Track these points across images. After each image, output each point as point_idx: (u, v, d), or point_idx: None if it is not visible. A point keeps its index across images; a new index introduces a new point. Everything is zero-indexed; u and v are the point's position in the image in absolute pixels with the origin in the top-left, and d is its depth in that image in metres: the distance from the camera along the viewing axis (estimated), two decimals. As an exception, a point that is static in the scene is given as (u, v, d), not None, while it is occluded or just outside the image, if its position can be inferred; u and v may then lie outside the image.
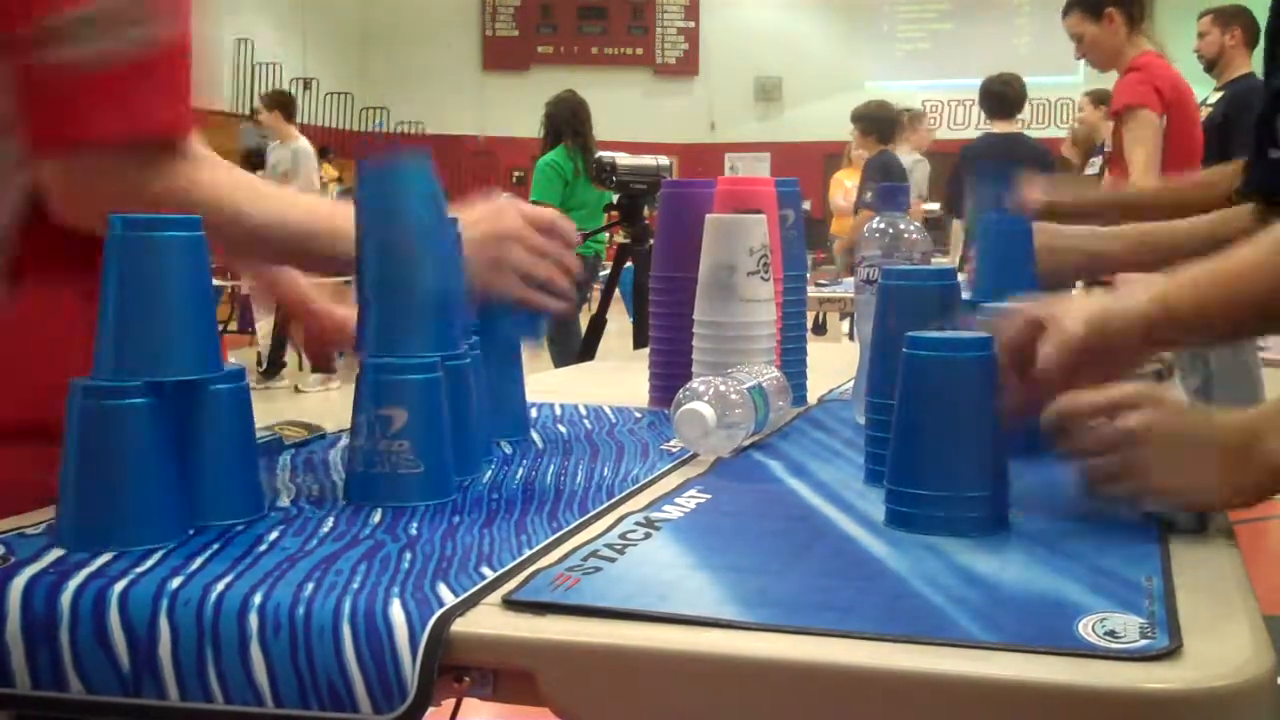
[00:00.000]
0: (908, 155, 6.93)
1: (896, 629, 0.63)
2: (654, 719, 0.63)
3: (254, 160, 8.75)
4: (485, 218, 1.13)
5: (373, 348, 0.93)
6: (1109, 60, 3.88)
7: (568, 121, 5.55)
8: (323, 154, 11.12)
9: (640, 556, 0.76)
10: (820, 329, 7.86)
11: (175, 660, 0.66)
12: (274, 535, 0.81)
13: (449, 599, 0.67)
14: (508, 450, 1.11)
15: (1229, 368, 4.93)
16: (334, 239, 1.01)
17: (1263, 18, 1.22)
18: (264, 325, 7.80)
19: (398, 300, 0.94)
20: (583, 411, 1.31)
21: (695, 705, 0.62)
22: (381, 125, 17.77)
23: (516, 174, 16.95)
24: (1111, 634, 0.62)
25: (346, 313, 1.22)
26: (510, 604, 0.67)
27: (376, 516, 0.86)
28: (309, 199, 1.12)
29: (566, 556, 0.75)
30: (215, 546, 0.78)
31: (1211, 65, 4.75)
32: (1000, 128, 5.69)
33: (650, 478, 0.99)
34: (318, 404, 6.84)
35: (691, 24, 18.74)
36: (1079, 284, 1.61)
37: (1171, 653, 0.60)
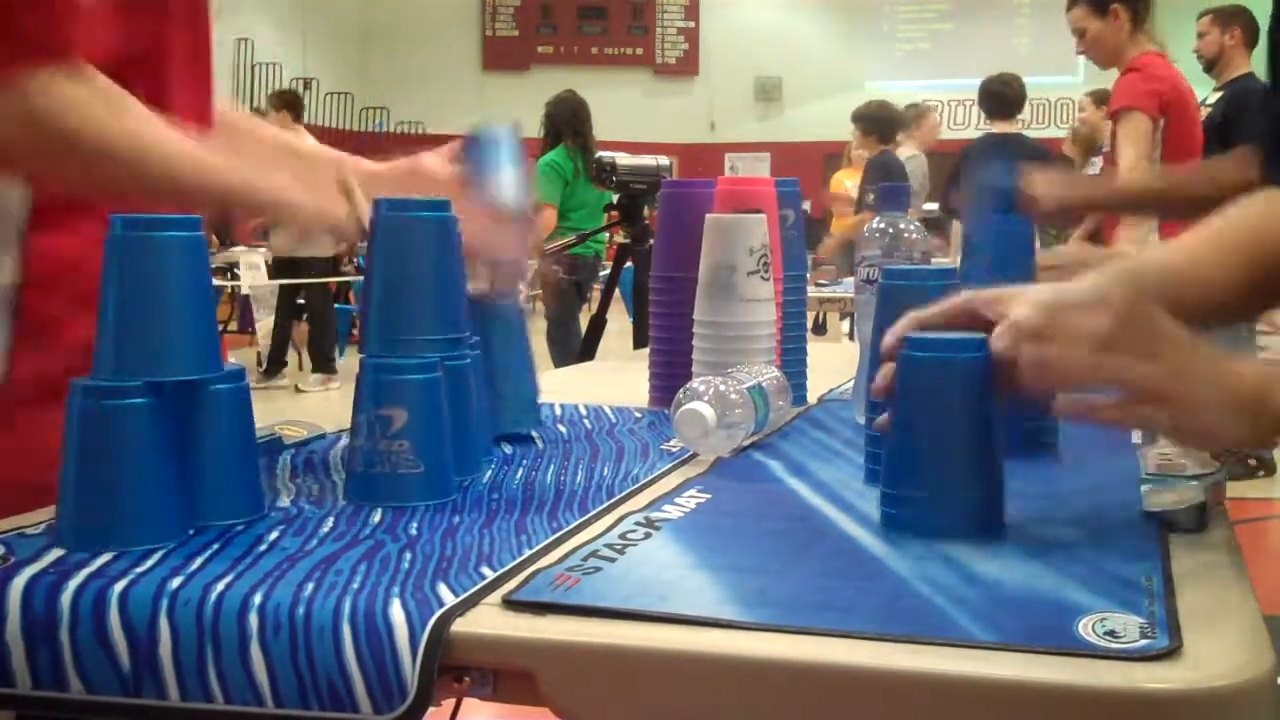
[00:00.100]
0: (907, 151, 6.88)
1: (896, 629, 0.63)
2: (654, 719, 0.63)
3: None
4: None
5: (375, 346, 0.93)
6: (1110, 58, 3.88)
7: (568, 121, 5.55)
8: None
9: (640, 556, 0.76)
10: (820, 329, 7.86)
11: (175, 660, 0.66)
12: (274, 535, 0.81)
13: (449, 599, 0.67)
14: (508, 450, 1.11)
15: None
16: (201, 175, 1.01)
17: (1263, 18, 1.21)
18: (264, 325, 7.80)
19: (403, 298, 0.94)
20: (583, 411, 1.31)
21: (695, 705, 0.62)
22: (382, 125, 17.74)
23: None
24: (1111, 634, 0.62)
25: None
26: (510, 604, 0.67)
27: (376, 516, 0.86)
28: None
29: (566, 556, 0.75)
30: (215, 546, 0.78)
31: (1211, 65, 4.75)
32: (1000, 128, 5.69)
33: (650, 478, 0.99)
34: (318, 404, 6.84)
35: (691, 24, 18.74)
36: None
37: (1171, 653, 0.60)
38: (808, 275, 1.48)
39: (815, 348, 1.47)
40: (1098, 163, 5.73)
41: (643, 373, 1.41)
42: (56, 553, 0.76)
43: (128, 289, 0.80)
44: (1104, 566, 0.74)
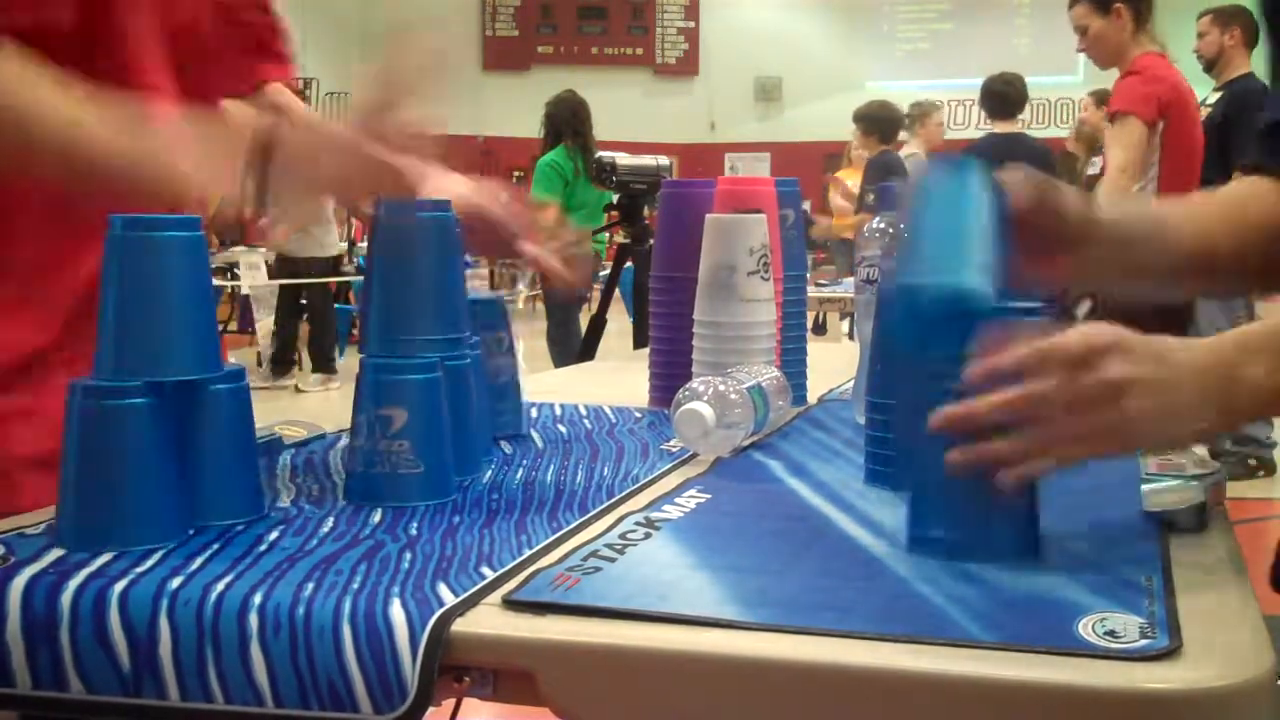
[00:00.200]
0: (910, 150, 6.82)
1: (896, 629, 0.63)
2: (654, 719, 0.63)
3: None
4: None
5: (375, 346, 0.93)
6: (1111, 57, 3.88)
7: (568, 121, 5.55)
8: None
9: (640, 556, 0.76)
10: (820, 329, 7.85)
11: (175, 660, 0.66)
12: (274, 535, 0.81)
13: (449, 599, 0.67)
14: (508, 450, 1.11)
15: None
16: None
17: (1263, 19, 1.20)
18: (264, 325, 7.79)
19: (403, 298, 0.94)
20: (583, 411, 1.31)
21: (695, 705, 0.62)
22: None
23: (516, 174, 16.94)
24: (1111, 634, 0.62)
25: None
26: (510, 604, 0.67)
27: (376, 516, 0.86)
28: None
29: (566, 556, 0.75)
30: (215, 546, 0.78)
31: (1211, 65, 4.75)
32: (1001, 128, 5.69)
33: (650, 478, 0.99)
34: (318, 404, 6.84)
35: (691, 24, 18.74)
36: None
37: (1171, 653, 0.60)
38: (808, 275, 1.48)
39: (815, 348, 1.47)
40: (1098, 162, 5.73)
41: (643, 373, 1.41)
42: (56, 553, 0.76)
43: (128, 289, 0.80)
44: (1104, 566, 0.74)
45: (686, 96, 18.52)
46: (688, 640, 0.63)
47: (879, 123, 6.91)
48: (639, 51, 18.73)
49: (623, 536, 0.80)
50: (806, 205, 1.71)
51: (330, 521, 0.85)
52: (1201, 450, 1.03)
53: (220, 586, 0.69)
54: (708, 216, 1.27)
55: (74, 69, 0.95)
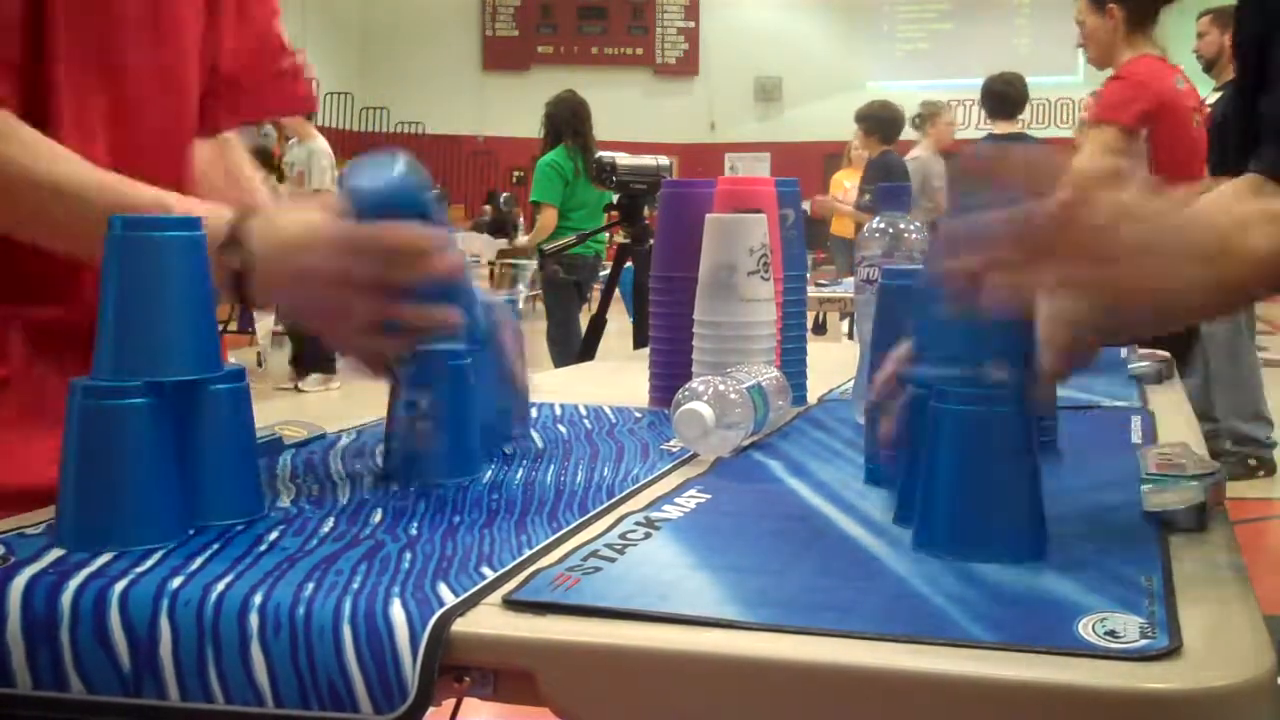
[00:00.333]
0: (926, 153, 6.74)
1: (896, 629, 0.63)
2: (654, 719, 0.63)
3: (256, 161, 8.74)
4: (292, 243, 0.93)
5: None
6: (1102, 56, 3.87)
7: (568, 121, 5.56)
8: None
9: (640, 556, 0.76)
10: (820, 329, 7.86)
11: (176, 660, 0.66)
12: (274, 535, 0.81)
13: (449, 599, 0.67)
14: (508, 450, 1.11)
15: (1229, 368, 4.94)
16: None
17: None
18: (264, 325, 7.79)
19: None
20: (583, 411, 1.31)
21: (695, 705, 0.62)
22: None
23: (516, 174, 16.96)
24: (1111, 634, 0.62)
25: None
26: (510, 604, 0.67)
27: (376, 516, 0.86)
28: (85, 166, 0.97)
29: (566, 556, 0.75)
30: (215, 546, 0.78)
31: (1210, 65, 4.75)
32: (1002, 128, 5.69)
33: (650, 478, 0.99)
34: (318, 404, 6.84)
35: (691, 24, 18.75)
36: None
37: (1171, 653, 0.60)
38: (808, 275, 1.48)
39: (815, 348, 1.47)
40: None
41: (643, 373, 1.42)
42: (56, 553, 0.76)
43: (127, 289, 0.80)
44: (1104, 566, 0.74)
45: (686, 96, 18.53)
46: (688, 640, 0.63)
47: (881, 123, 6.90)
48: (639, 51, 18.74)
49: (623, 536, 0.80)
50: (807, 205, 1.71)
51: (330, 521, 0.85)
52: (1201, 450, 1.03)
53: (220, 586, 0.69)
54: (708, 216, 1.27)
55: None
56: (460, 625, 0.65)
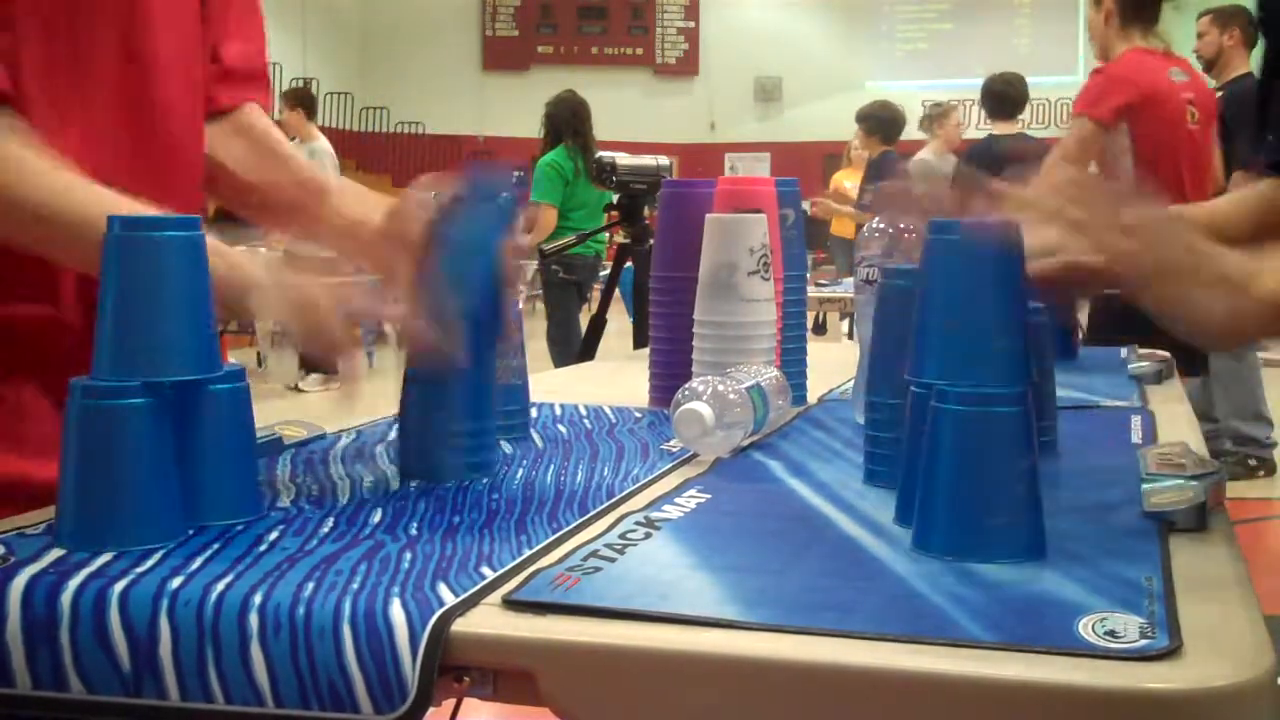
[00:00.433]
0: (938, 154, 6.68)
1: (896, 629, 0.63)
2: (654, 719, 0.63)
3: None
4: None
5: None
6: (1101, 50, 3.88)
7: (568, 121, 5.55)
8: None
9: (640, 556, 0.76)
10: (820, 329, 7.85)
11: (175, 660, 0.66)
12: (274, 535, 0.81)
13: (449, 599, 0.67)
14: (508, 450, 1.11)
15: (1229, 369, 4.94)
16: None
17: (1262, 19, 1.21)
18: (264, 325, 7.78)
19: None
20: (583, 411, 1.31)
21: (695, 705, 0.62)
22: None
23: (516, 174, 16.93)
24: (1111, 634, 0.62)
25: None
26: (510, 604, 0.67)
27: (376, 516, 0.86)
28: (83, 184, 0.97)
29: (566, 556, 0.75)
30: (215, 546, 0.78)
31: (1210, 65, 4.75)
32: (1001, 129, 5.67)
33: (650, 478, 0.99)
34: (318, 404, 6.84)
35: (691, 24, 18.74)
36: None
37: (1171, 653, 0.60)
38: (808, 275, 1.48)
39: (815, 348, 1.47)
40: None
41: (643, 373, 1.41)
42: (56, 553, 0.76)
43: (126, 289, 0.80)
44: (1104, 566, 0.74)
45: (686, 96, 18.53)
46: (688, 640, 0.63)
47: (882, 123, 6.89)
48: (639, 51, 18.74)
49: (623, 536, 0.80)
50: (807, 205, 1.71)
51: (330, 521, 0.85)
52: (1201, 450, 1.03)
53: (220, 586, 0.69)
54: (708, 216, 1.27)
55: None
56: (460, 625, 0.65)
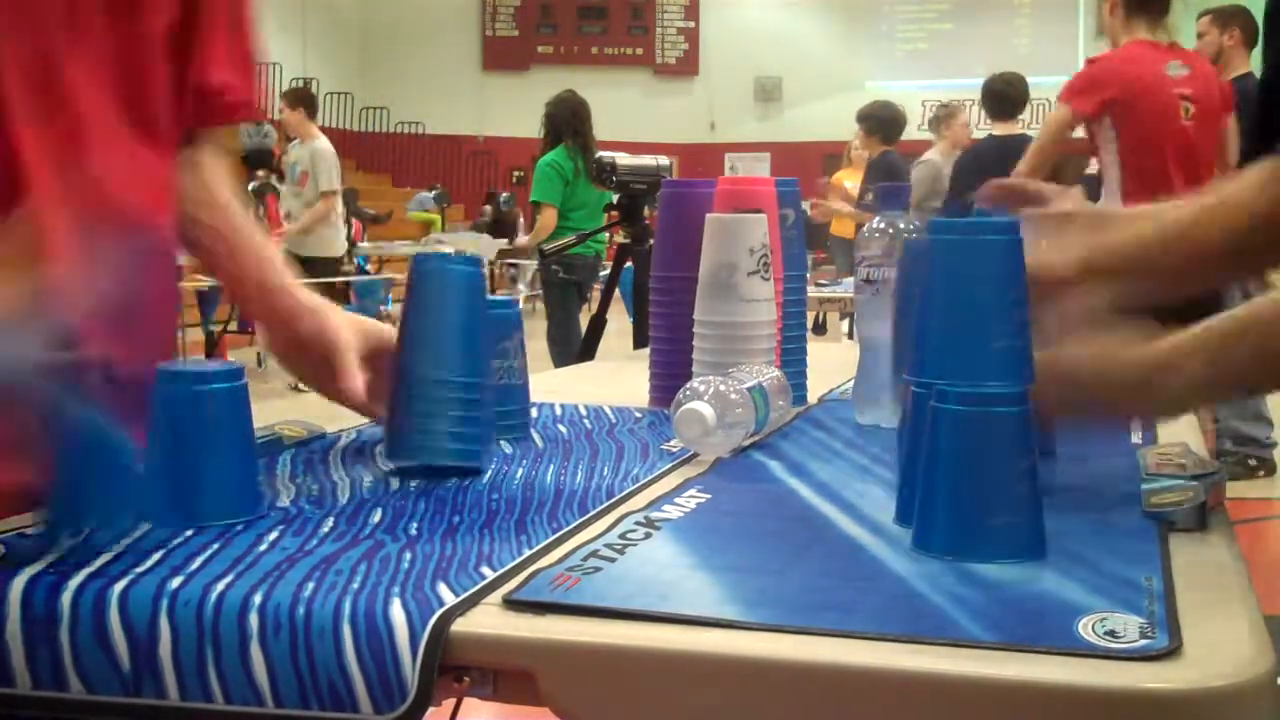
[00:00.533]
0: (944, 155, 6.65)
1: (896, 629, 0.63)
2: (654, 719, 0.63)
3: (254, 161, 8.73)
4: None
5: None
6: (1111, 41, 3.89)
7: (568, 121, 5.55)
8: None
9: (640, 556, 0.76)
10: (820, 329, 7.86)
11: (175, 660, 0.66)
12: (274, 535, 0.81)
13: (449, 599, 0.67)
14: (508, 450, 1.11)
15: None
16: None
17: (1262, 18, 1.20)
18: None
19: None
20: (583, 411, 1.31)
21: (695, 705, 0.62)
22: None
23: (516, 174, 16.96)
24: (1111, 634, 0.62)
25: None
26: (510, 604, 0.67)
27: (376, 516, 0.86)
28: None
29: (566, 556, 0.75)
30: (215, 546, 0.78)
31: (1210, 65, 4.74)
32: (1001, 129, 5.67)
33: (650, 478, 0.99)
34: (318, 404, 6.82)
35: (691, 24, 18.75)
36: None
37: (1171, 653, 0.60)
38: (808, 275, 1.48)
39: (815, 348, 1.47)
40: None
41: (643, 373, 1.41)
42: (56, 552, 0.75)
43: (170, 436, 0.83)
44: (1104, 566, 0.74)
45: (686, 96, 18.53)
46: (688, 640, 0.63)
47: (882, 123, 6.88)
48: (639, 51, 18.75)
49: (623, 536, 0.80)
50: (807, 206, 1.72)
51: (330, 521, 0.85)
52: (1201, 450, 1.03)
53: (220, 586, 0.69)
54: (708, 216, 1.27)
55: None
56: (460, 625, 0.65)
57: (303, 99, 7.59)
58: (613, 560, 0.75)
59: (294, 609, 0.66)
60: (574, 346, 4.93)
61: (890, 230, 1.26)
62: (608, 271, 4.58)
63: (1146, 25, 3.75)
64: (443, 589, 0.69)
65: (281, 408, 1.22)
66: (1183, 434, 1.14)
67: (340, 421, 1.18)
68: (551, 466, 1.04)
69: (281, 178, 7.88)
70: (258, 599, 0.67)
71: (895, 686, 0.60)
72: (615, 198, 3.79)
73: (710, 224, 1.26)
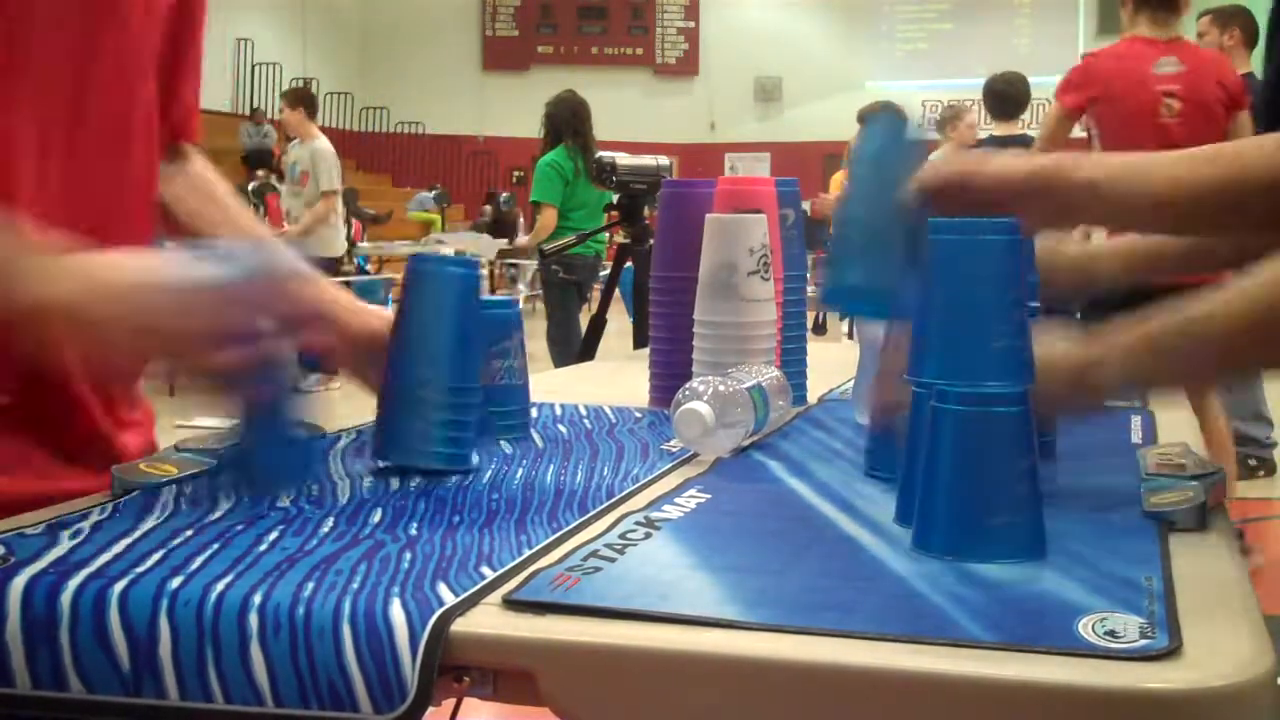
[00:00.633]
0: (944, 156, 6.67)
1: (896, 629, 0.63)
2: (654, 719, 0.63)
3: (254, 161, 8.74)
4: None
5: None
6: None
7: (568, 121, 5.55)
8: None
9: (640, 556, 0.76)
10: (820, 329, 7.86)
11: (175, 660, 0.66)
12: (274, 535, 0.81)
13: (449, 599, 0.67)
14: (508, 450, 1.11)
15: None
16: None
17: (1262, 18, 1.21)
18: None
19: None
20: (583, 411, 1.31)
21: (695, 705, 0.62)
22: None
23: (516, 174, 16.97)
24: (1111, 634, 0.62)
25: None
26: (510, 604, 0.67)
27: (376, 516, 0.86)
28: None
29: (566, 556, 0.75)
30: (215, 546, 0.78)
31: (1216, 63, 4.74)
32: (1002, 129, 5.67)
33: (650, 478, 0.99)
34: (317, 404, 6.81)
35: (691, 24, 18.75)
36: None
37: (1171, 653, 0.60)
38: (808, 275, 1.48)
39: (815, 348, 1.47)
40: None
41: (643, 373, 1.41)
42: (56, 552, 0.76)
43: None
44: (1104, 566, 0.74)
45: (686, 96, 18.54)
46: (688, 640, 0.63)
47: None
48: (639, 51, 18.75)
49: (623, 536, 0.80)
50: (807, 206, 1.71)
51: (330, 521, 0.85)
52: (1202, 450, 1.03)
53: (220, 586, 0.69)
54: (708, 216, 1.27)
55: None
56: (460, 625, 0.65)
57: (303, 99, 7.60)
58: (613, 560, 0.75)
59: (294, 609, 0.66)
60: (574, 346, 4.93)
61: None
62: (608, 271, 4.58)
63: (1149, 21, 3.75)
64: (442, 589, 0.69)
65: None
66: (1183, 434, 1.14)
67: (340, 421, 1.18)
68: (551, 466, 1.04)
69: (281, 178, 7.89)
70: (257, 599, 0.67)
71: (895, 686, 0.60)
72: (615, 198, 3.79)
73: (710, 224, 1.26)
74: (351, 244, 9.16)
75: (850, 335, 6.18)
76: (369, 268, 11.01)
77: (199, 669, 0.66)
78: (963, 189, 0.96)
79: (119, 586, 0.69)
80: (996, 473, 0.77)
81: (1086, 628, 0.63)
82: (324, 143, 7.41)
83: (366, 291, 9.37)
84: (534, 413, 1.27)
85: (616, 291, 4.31)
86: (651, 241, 1.82)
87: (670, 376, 1.30)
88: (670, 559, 0.76)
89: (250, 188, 8.73)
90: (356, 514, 0.87)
